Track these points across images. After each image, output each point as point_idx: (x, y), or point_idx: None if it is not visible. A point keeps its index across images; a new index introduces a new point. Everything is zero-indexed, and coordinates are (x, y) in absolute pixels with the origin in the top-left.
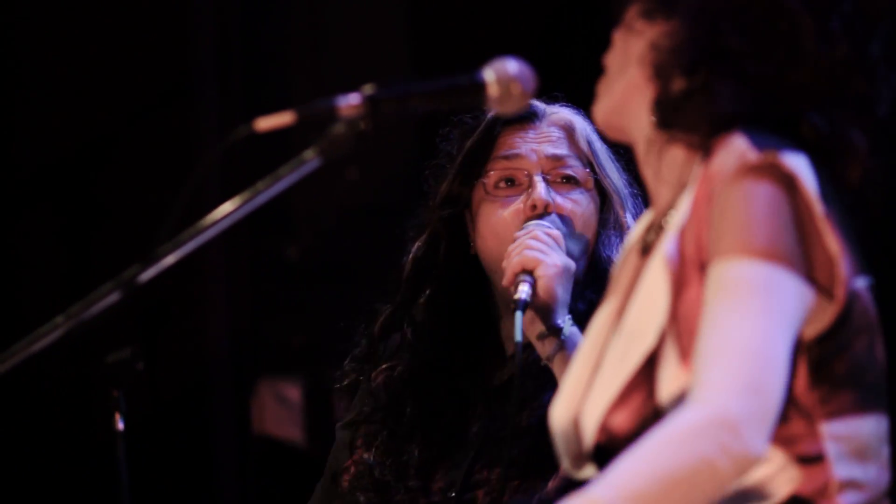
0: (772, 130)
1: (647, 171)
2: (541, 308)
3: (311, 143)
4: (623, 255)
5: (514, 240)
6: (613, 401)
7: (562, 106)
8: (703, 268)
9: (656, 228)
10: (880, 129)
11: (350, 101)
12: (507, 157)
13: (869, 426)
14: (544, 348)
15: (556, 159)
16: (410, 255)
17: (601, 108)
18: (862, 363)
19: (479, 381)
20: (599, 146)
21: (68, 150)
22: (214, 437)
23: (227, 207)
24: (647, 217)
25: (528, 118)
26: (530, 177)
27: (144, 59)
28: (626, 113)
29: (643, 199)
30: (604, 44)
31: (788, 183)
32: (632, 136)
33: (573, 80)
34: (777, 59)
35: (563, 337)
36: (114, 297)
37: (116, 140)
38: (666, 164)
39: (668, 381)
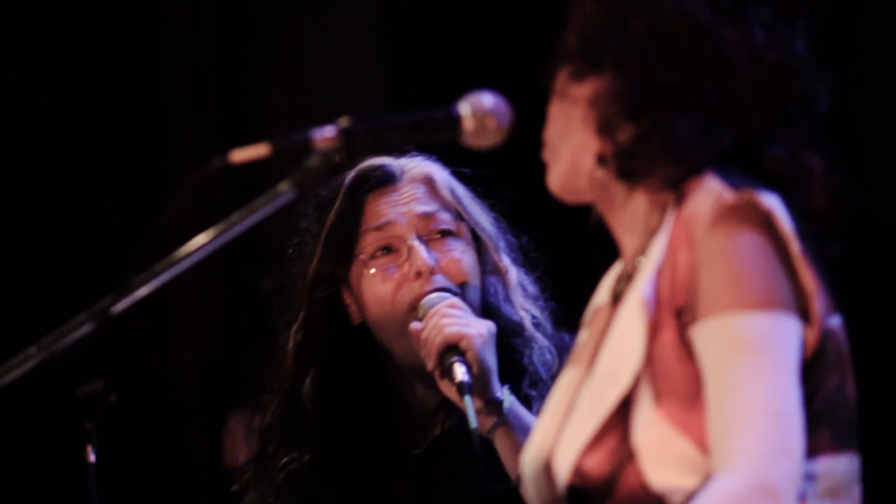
0: (738, 169)
1: (612, 223)
2: (476, 383)
3: (286, 175)
4: (590, 313)
5: (408, 314)
6: (587, 443)
7: (416, 158)
8: (677, 311)
9: (625, 277)
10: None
11: (325, 134)
12: (378, 228)
13: (842, 465)
14: (486, 422)
15: (427, 217)
16: (290, 344)
17: (554, 177)
18: (834, 401)
19: (394, 454)
20: (462, 192)
21: (44, 181)
22: (186, 470)
23: (201, 239)
24: (615, 270)
25: (387, 181)
26: (406, 242)
27: (120, 92)
28: (579, 174)
29: (512, 232)
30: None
31: (766, 222)
32: (587, 196)
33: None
34: (712, 81)
35: (504, 410)
36: (87, 329)
37: (92, 172)
38: (629, 213)
39: (643, 424)
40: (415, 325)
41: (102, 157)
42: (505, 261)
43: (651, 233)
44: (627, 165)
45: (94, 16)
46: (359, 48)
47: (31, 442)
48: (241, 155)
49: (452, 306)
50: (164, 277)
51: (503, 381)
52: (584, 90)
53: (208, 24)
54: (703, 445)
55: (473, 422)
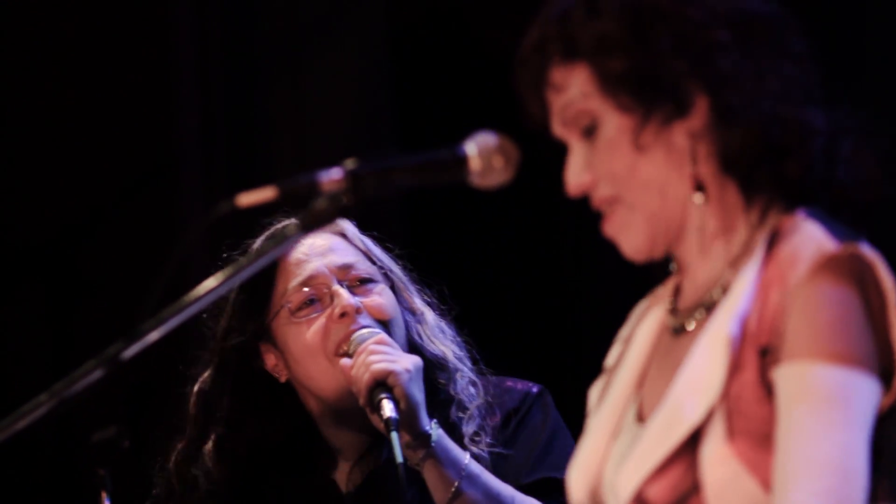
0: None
1: (682, 251)
2: (404, 417)
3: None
4: (631, 327)
5: (336, 355)
6: (653, 471)
7: None
8: (761, 350)
9: (702, 307)
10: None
11: (332, 176)
12: (302, 282)
13: None
14: (414, 455)
15: (347, 266)
16: (195, 390)
17: (637, 243)
18: None
19: (323, 494)
20: (370, 243)
21: (53, 227)
22: None
23: (210, 283)
24: (664, 292)
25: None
26: (329, 289)
27: (128, 137)
28: (673, 213)
29: (423, 281)
30: None
31: (867, 277)
32: (681, 234)
33: (557, 155)
34: (797, 95)
35: (432, 443)
36: (97, 375)
37: (101, 217)
38: (707, 237)
39: (713, 459)
40: (345, 362)
41: (111, 202)
42: (419, 302)
43: (730, 266)
44: (756, 178)
45: (101, 61)
46: (365, 90)
47: (46, 490)
48: (248, 198)
49: (380, 342)
50: (174, 322)
51: (432, 412)
52: (683, 128)
53: (215, 69)
54: (769, 486)
55: (399, 457)
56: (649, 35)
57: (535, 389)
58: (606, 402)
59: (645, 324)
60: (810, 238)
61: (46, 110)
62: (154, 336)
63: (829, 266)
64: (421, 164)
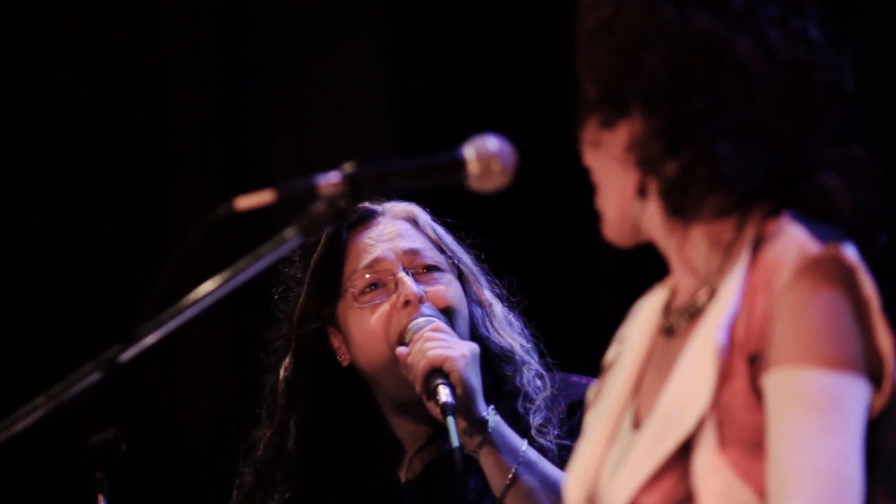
0: (797, 206)
1: (670, 259)
2: (461, 403)
3: (291, 221)
4: (629, 330)
5: (398, 344)
6: (646, 481)
7: (395, 201)
8: (750, 357)
9: (687, 313)
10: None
11: (330, 180)
12: (367, 266)
13: None
14: (471, 442)
15: (413, 252)
16: (281, 378)
17: (607, 224)
18: (893, 456)
19: (386, 486)
20: (443, 231)
21: (51, 231)
22: None
23: (208, 286)
24: (661, 293)
25: (369, 218)
26: (394, 275)
27: (126, 142)
28: (630, 218)
29: (493, 272)
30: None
31: (850, 278)
32: (646, 235)
33: (555, 157)
34: (737, 97)
35: (489, 429)
36: (94, 378)
37: (98, 222)
38: (688, 248)
39: (705, 469)
40: (401, 350)
41: (108, 206)
42: (488, 294)
43: (715, 272)
44: (679, 201)
45: (99, 65)
46: (363, 93)
47: (43, 492)
48: (246, 202)
49: (436, 329)
50: (172, 325)
51: (498, 403)
52: (618, 136)
53: (213, 74)
54: (763, 494)
55: (456, 441)
56: (622, 48)
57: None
58: (603, 404)
59: (640, 323)
60: (793, 241)
61: (44, 115)
62: (151, 339)
63: (812, 268)
64: (419, 168)
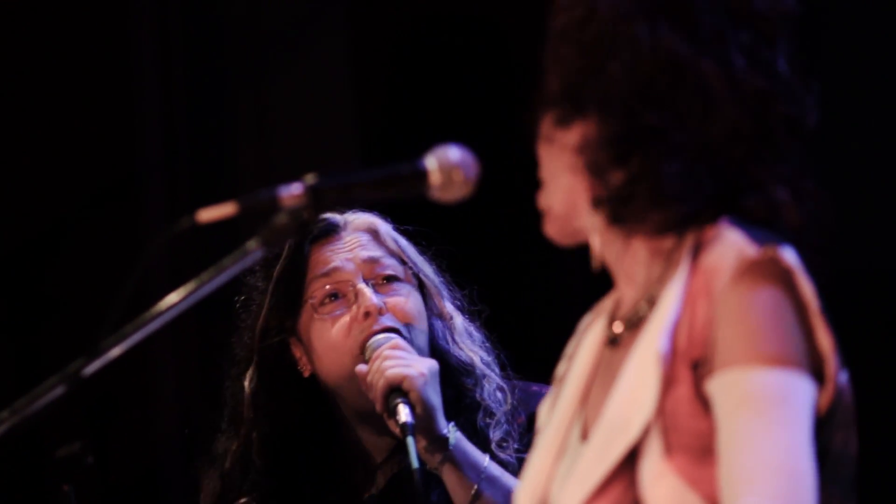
0: (743, 216)
1: (610, 265)
2: (421, 422)
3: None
4: (576, 342)
5: (359, 355)
6: (593, 491)
7: (358, 211)
8: (693, 364)
9: (629, 322)
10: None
11: (292, 191)
12: (325, 275)
13: None
14: (433, 459)
15: (373, 261)
16: (246, 390)
17: (549, 221)
18: (839, 458)
19: (348, 499)
20: (405, 242)
21: (14, 242)
22: None
23: (172, 298)
24: (606, 305)
25: (331, 231)
26: (353, 286)
27: (90, 152)
28: (574, 218)
29: (455, 283)
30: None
31: (788, 279)
32: (586, 237)
33: (519, 165)
34: (694, 119)
35: (450, 447)
36: (59, 391)
37: (62, 232)
38: (629, 258)
39: (652, 477)
40: (361, 368)
41: (72, 217)
42: (449, 307)
43: (656, 280)
44: (619, 211)
45: (63, 75)
46: (327, 105)
47: None
48: (208, 214)
49: (395, 347)
50: (136, 338)
51: (458, 417)
52: (571, 136)
53: (177, 83)
54: (713, 501)
55: (415, 462)
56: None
57: None
58: (553, 419)
59: (588, 337)
60: (731, 245)
61: (7, 125)
62: (116, 352)
63: (750, 270)
64: (381, 179)
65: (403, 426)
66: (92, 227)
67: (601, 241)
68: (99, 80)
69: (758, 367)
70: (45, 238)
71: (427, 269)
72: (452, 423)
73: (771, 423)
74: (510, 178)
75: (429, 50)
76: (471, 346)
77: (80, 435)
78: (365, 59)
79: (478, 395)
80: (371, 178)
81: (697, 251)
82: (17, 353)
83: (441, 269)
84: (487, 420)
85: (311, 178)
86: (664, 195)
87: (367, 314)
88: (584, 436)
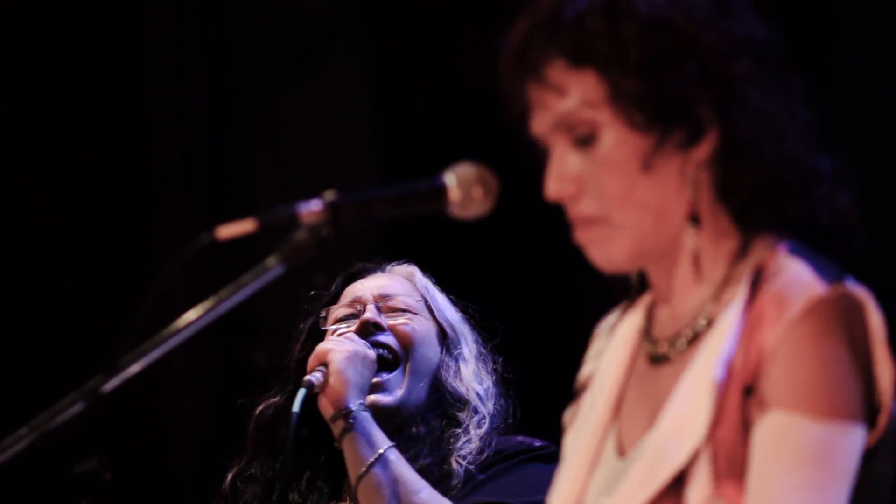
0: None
1: (655, 278)
2: (332, 392)
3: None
4: (603, 342)
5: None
6: None
7: (404, 263)
8: (745, 388)
9: (682, 339)
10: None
11: (311, 208)
12: (346, 303)
13: None
14: (335, 429)
15: (387, 297)
16: (270, 412)
17: (621, 248)
18: (879, 484)
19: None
20: (436, 292)
21: (33, 260)
22: None
23: (191, 315)
24: (634, 316)
25: (371, 271)
26: (364, 307)
27: (109, 169)
28: (661, 237)
29: (490, 337)
30: None
31: (857, 315)
32: (663, 257)
33: (537, 184)
34: (794, 143)
35: (350, 419)
36: (78, 408)
37: (82, 250)
38: (689, 269)
39: (699, 501)
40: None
41: (91, 235)
42: (465, 351)
43: (715, 297)
44: (756, 216)
45: (82, 91)
46: (345, 121)
47: None
48: (227, 231)
49: (341, 335)
50: (155, 354)
51: (439, 444)
52: (700, 153)
53: (196, 101)
54: None
55: (296, 406)
56: (672, 60)
57: (537, 443)
58: (583, 427)
59: (615, 344)
60: (797, 278)
61: (27, 142)
62: (134, 369)
63: (818, 311)
64: (400, 196)
65: (303, 381)
66: (111, 244)
67: (695, 245)
68: (118, 97)
69: (807, 416)
70: (65, 255)
71: (452, 316)
72: (361, 402)
73: (805, 481)
74: (530, 195)
75: (447, 66)
76: (476, 387)
77: (97, 451)
78: (383, 75)
79: (462, 424)
80: (390, 195)
81: (759, 277)
82: (36, 369)
83: (474, 325)
84: (462, 439)
85: (330, 195)
86: (790, 191)
87: (364, 325)
88: (621, 451)
